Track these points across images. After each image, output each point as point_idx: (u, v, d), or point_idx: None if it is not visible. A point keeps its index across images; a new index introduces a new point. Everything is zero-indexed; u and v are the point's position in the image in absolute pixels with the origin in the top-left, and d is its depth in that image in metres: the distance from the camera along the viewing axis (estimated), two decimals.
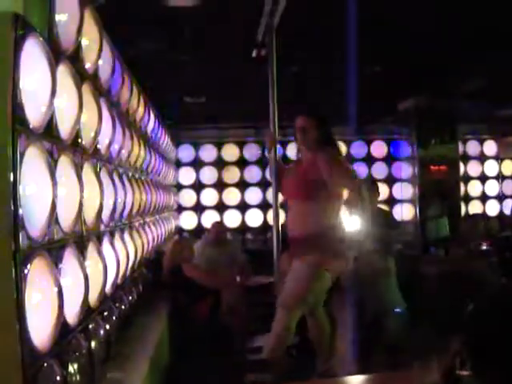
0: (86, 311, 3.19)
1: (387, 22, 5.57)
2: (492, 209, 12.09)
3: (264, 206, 11.29)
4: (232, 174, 11.57)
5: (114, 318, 3.97)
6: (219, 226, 8.64)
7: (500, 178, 12.25)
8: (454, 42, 6.19)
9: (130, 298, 4.78)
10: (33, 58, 2.53)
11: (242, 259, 8.16)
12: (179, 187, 11.35)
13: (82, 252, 3.15)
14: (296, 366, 4.97)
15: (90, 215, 3.42)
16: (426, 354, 2.81)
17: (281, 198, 5.60)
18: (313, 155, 5.16)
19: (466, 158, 11.97)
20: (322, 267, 5.00)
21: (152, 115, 6.68)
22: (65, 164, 2.93)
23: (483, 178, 12.13)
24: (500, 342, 1.99)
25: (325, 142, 5.18)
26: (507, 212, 12.03)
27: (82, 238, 3.23)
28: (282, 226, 5.53)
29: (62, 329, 2.69)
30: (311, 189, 5.04)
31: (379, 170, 11.86)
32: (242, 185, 11.54)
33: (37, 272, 2.46)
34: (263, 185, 11.37)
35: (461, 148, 11.77)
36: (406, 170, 11.64)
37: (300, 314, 5.01)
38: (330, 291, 5.89)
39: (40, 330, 2.48)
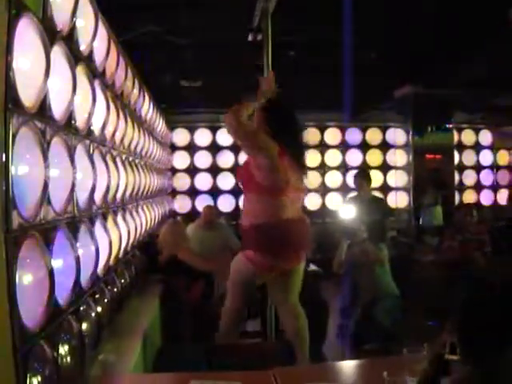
0: (78, 293, 3.19)
1: (385, 7, 5.56)
2: (486, 198, 12.13)
3: None
4: (226, 159, 11.58)
5: (105, 300, 3.98)
6: (210, 209, 8.63)
7: (495, 167, 12.27)
8: (452, 29, 6.18)
9: (123, 280, 4.78)
10: (27, 38, 2.52)
11: (234, 242, 8.15)
12: (173, 171, 11.35)
13: (73, 233, 3.14)
14: (291, 351, 4.96)
15: (82, 197, 3.41)
16: (416, 341, 2.83)
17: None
18: None
19: (461, 147, 11.98)
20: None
21: (147, 98, 6.67)
22: (58, 145, 2.92)
23: (478, 168, 12.15)
24: (490, 328, 2.01)
25: (269, 128, 4.42)
26: (502, 202, 12.08)
27: (74, 220, 3.22)
28: None
29: (53, 310, 2.69)
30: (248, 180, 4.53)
31: (374, 157, 11.86)
32: (236, 169, 11.50)
33: (28, 252, 2.45)
34: None
35: (456, 137, 11.79)
36: (400, 157, 11.66)
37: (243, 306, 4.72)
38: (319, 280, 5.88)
39: (31, 311, 2.48)
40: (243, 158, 11.26)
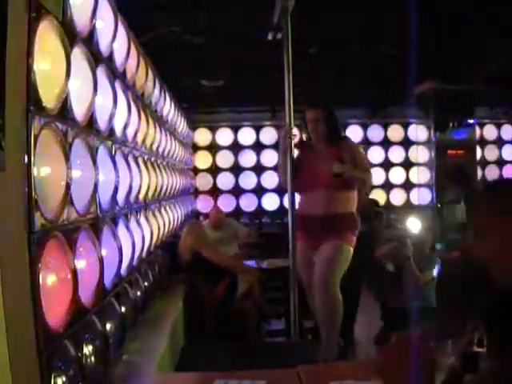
0: (102, 293, 3.20)
1: (405, 2, 5.52)
2: None
3: (280, 190, 11.18)
4: (248, 158, 11.58)
5: (129, 300, 3.99)
6: (217, 212, 8.73)
7: None
8: (473, 25, 6.13)
9: (146, 280, 4.79)
10: (47, 40, 2.53)
11: (243, 231, 8.35)
12: (196, 171, 11.36)
13: (96, 234, 3.15)
14: (311, 349, 4.96)
15: (105, 197, 3.43)
16: (442, 337, 2.81)
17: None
18: (328, 146, 5.56)
19: (483, 143, 11.88)
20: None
21: (168, 98, 6.68)
22: (79, 146, 2.93)
23: (500, 163, 12.05)
24: None
25: (334, 133, 5.66)
26: None
27: (97, 220, 3.23)
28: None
29: (77, 310, 2.69)
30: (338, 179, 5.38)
31: (396, 154, 11.81)
32: (258, 169, 11.53)
33: (51, 253, 2.46)
34: None
35: (478, 132, 11.70)
36: (422, 154, 11.59)
37: None
38: None
39: (55, 311, 2.49)
40: (265, 157, 11.35)
